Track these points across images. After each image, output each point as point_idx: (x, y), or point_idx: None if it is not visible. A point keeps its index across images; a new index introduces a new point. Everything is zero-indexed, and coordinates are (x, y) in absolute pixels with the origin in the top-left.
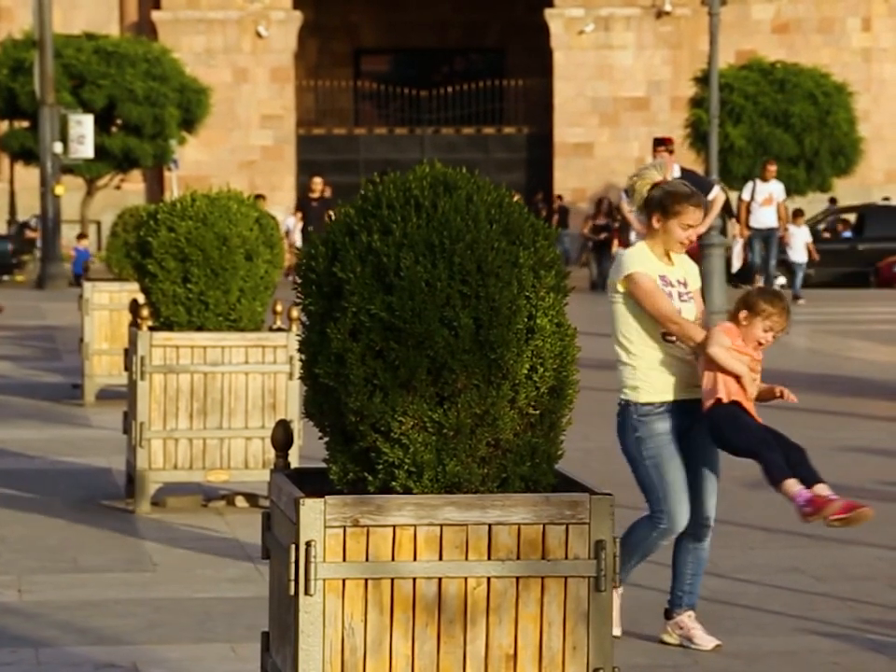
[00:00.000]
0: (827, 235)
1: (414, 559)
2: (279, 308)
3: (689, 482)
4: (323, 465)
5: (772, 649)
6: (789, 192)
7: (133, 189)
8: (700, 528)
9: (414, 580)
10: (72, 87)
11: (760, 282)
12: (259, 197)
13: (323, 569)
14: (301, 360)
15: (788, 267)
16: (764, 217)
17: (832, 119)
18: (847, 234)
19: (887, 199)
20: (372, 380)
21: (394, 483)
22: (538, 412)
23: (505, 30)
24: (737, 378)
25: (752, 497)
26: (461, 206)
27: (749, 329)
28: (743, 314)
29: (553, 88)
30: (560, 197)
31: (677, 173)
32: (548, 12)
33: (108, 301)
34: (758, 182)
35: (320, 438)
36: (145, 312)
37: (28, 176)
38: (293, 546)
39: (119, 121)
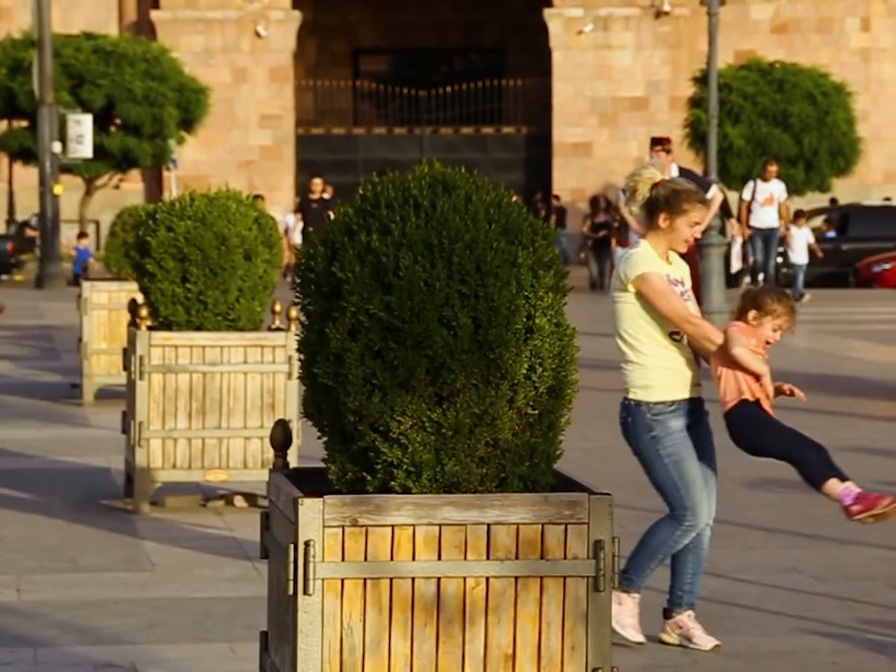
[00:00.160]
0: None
1: (413, 559)
2: (278, 308)
3: None
4: (322, 465)
5: (771, 649)
6: (788, 192)
7: (131, 188)
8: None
9: (413, 579)
10: (71, 86)
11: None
12: (258, 197)
13: (322, 569)
14: (299, 360)
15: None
16: (765, 217)
17: (830, 119)
18: (831, 234)
19: (888, 199)
20: (371, 380)
21: (393, 483)
22: (536, 411)
23: (504, 30)
24: (755, 378)
25: (752, 496)
26: (460, 206)
27: (758, 329)
28: (752, 313)
29: (551, 88)
30: (557, 197)
31: (675, 172)
32: (547, 12)
33: (107, 301)
34: (759, 182)
35: (319, 437)
36: (143, 311)
37: (27, 176)
38: (292, 546)
39: (117, 121)
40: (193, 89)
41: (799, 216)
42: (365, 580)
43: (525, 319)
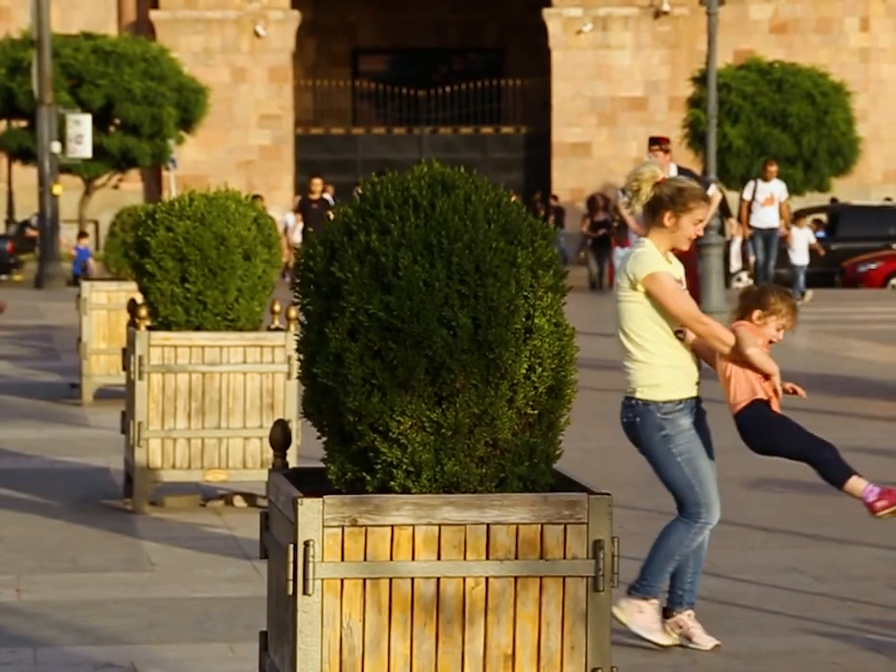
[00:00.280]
0: None
1: (413, 559)
2: (277, 308)
3: None
4: (321, 465)
5: (771, 649)
6: (787, 192)
7: (130, 188)
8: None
9: (413, 579)
10: (70, 86)
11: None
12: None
13: (321, 569)
14: (299, 360)
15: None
16: (766, 217)
17: (830, 118)
18: (820, 234)
19: (888, 199)
20: (371, 380)
21: (392, 483)
22: (536, 411)
23: (503, 30)
24: (764, 377)
25: (751, 496)
26: (459, 206)
27: (763, 329)
28: (757, 313)
29: (551, 88)
30: (555, 197)
31: (673, 172)
32: (546, 12)
33: (106, 301)
34: (759, 182)
35: (318, 437)
36: (143, 311)
37: (26, 176)
38: (291, 546)
39: (116, 121)
40: (192, 89)
41: (800, 216)
42: (364, 580)
43: (524, 319)
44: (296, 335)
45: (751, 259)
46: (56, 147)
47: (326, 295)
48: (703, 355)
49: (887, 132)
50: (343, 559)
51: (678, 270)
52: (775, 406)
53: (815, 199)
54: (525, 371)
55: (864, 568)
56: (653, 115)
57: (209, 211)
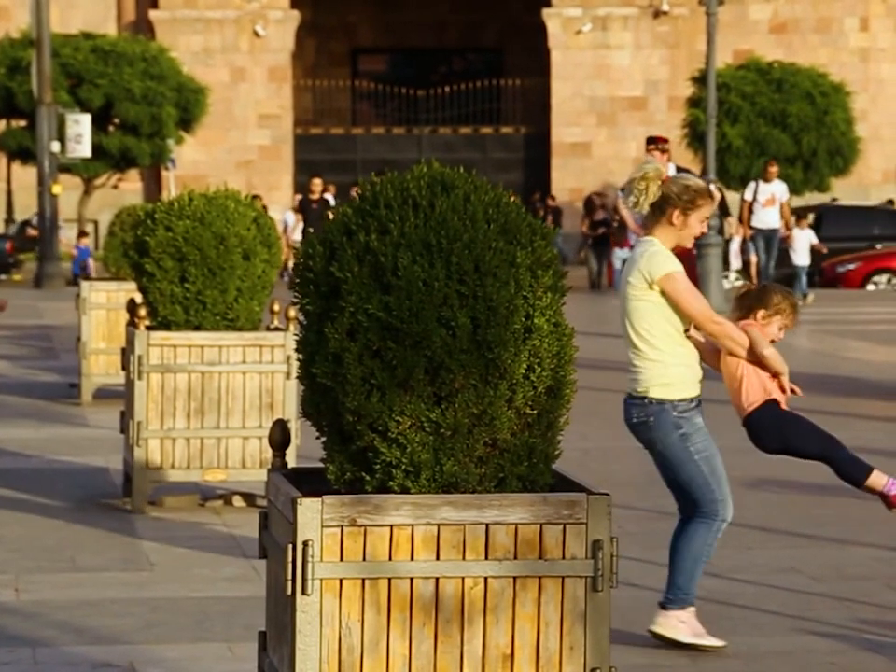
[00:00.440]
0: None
1: (412, 559)
2: (276, 307)
3: None
4: (320, 464)
5: (769, 649)
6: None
7: (130, 188)
8: None
9: (412, 579)
10: (69, 86)
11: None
12: (256, 198)
13: (320, 569)
14: (298, 360)
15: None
16: (767, 218)
17: (829, 118)
18: None
19: (890, 202)
20: (370, 379)
21: (391, 483)
22: (535, 411)
23: (503, 30)
24: (772, 377)
25: (750, 497)
26: (458, 206)
27: (766, 328)
28: (762, 312)
29: (550, 87)
30: (553, 197)
31: (672, 172)
32: (545, 12)
33: (106, 301)
34: (760, 183)
35: (317, 437)
36: (142, 311)
37: (25, 176)
38: (290, 546)
39: (116, 121)
40: (192, 88)
41: (801, 217)
42: (363, 579)
43: (523, 319)
44: (295, 335)
45: (752, 258)
46: (55, 146)
47: (325, 295)
48: (703, 355)
49: (886, 132)
50: (341, 559)
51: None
52: (783, 405)
53: (814, 199)
54: (524, 371)
55: (862, 569)
56: (653, 115)
57: (208, 211)
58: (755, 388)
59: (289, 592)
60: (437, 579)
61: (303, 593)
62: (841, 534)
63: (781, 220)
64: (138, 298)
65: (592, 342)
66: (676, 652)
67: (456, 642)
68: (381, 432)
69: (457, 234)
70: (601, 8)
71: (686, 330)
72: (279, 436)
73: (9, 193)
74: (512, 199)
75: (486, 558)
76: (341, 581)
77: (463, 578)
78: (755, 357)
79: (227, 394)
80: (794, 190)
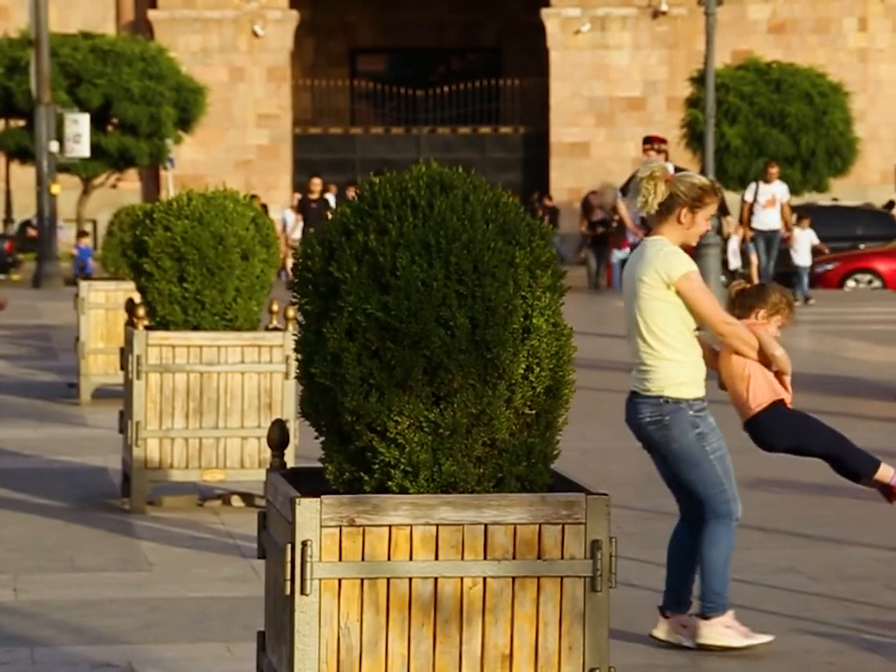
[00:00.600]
0: None
1: (410, 559)
2: (275, 307)
3: None
4: (319, 464)
5: (768, 649)
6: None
7: (129, 188)
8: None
9: (410, 579)
10: (68, 86)
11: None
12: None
13: (319, 569)
14: (297, 360)
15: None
16: (768, 219)
17: (828, 119)
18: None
19: (891, 203)
20: (368, 379)
21: (390, 483)
22: (534, 411)
23: (501, 30)
24: (776, 376)
25: (749, 497)
26: (457, 206)
27: (766, 327)
28: (762, 312)
29: (549, 87)
30: (550, 197)
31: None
32: (544, 12)
33: (104, 301)
34: (760, 184)
35: (316, 437)
36: (141, 311)
37: (24, 175)
38: (289, 546)
39: (115, 120)
40: (191, 88)
41: (802, 217)
42: (362, 579)
43: (522, 319)
44: (294, 335)
45: (753, 259)
46: (54, 146)
47: (324, 295)
48: (704, 355)
49: (885, 132)
50: (340, 559)
51: None
52: (788, 404)
53: (813, 199)
54: (522, 371)
55: (861, 569)
56: (651, 115)
57: (207, 210)
58: (763, 389)
59: (288, 592)
60: (435, 579)
61: (302, 593)
62: (840, 534)
63: (781, 221)
64: (137, 298)
65: (590, 342)
66: (675, 653)
67: (455, 642)
68: (379, 432)
69: (456, 234)
70: (600, 8)
71: (696, 329)
72: (278, 436)
73: (8, 193)
74: (511, 199)
75: (485, 558)
76: (339, 580)
77: (462, 578)
78: (762, 358)
79: (225, 394)
80: (793, 191)
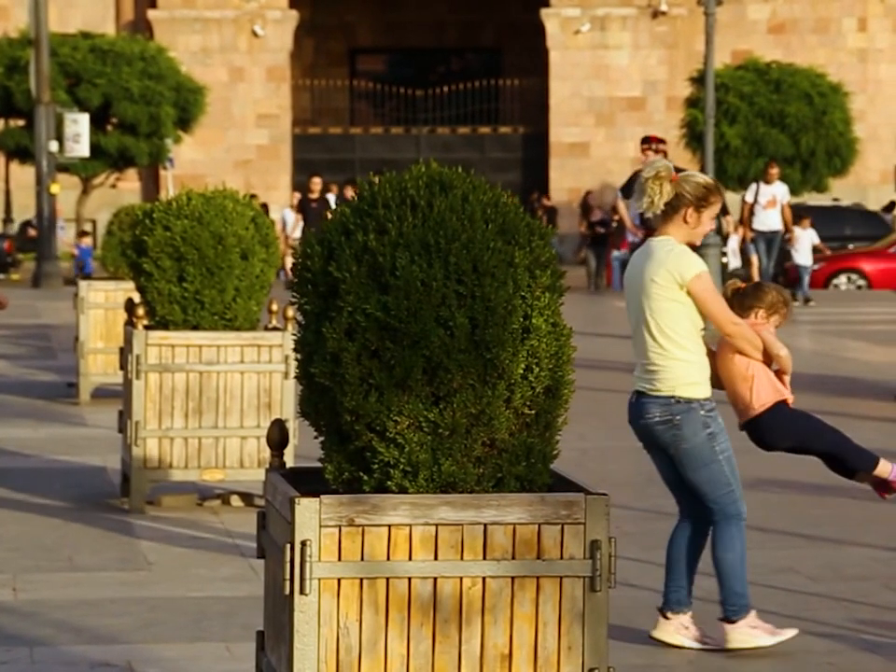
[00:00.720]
0: None
1: (410, 559)
2: (275, 307)
3: None
4: (318, 464)
5: (767, 649)
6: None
7: (128, 187)
8: (710, 525)
9: (410, 579)
10: (68, 85)
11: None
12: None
13: (318, 569)
14: (296, 360)
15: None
16: (768, 220)
17: (827, 119)
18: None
19: (892, 204)
20: (368, 379)
21: (389, 483)
22: (533, 411)
23: (501, 30)
24: (775, 374)
25: (748, 497)
26: (457, 206)
27: (766, 327)
28: (761, 312)
29: (548, 87)
30: (548, 198)
31: None
32: (544, 12)
33: (104, 300)
34: (761, 184)
35: (315, 437)
36: (140, 311)
37: (24, 175)
38: (288, 545)
39: (114, 120)
40: (190, 88)
41: (803, 217)
42: (361, 579)
43: (521, 319)
44: (293, 335)
45: (753, 259)
46: (54, 146)
47: (323, 295)
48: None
49: (884, 132)
50: (339, 559)
51: None
52: (790, 404)
53: (813, 199)
54: (522, 371)
55: (860, 569)
56: (651, 115)
57: (207, 210)
58: (766, 389)
59: (287, 591)
60: (435, 579)
61: (301, 592)
62: (839, 534)
63: (782, 222)
64: (136, 297)
65: (590, 342)
66: (674, 653)
67: (454, 642)
68: (379, 432)
69: (456, 234)
70: (599, 8)
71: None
72: (277, 436)
73: (8, 193)
74: (510, 199)
75: (484, 558)
76: (339, 580)
77: (461, 578)
78: (765, 358)
79: (225, 393)
80: (792, 191)
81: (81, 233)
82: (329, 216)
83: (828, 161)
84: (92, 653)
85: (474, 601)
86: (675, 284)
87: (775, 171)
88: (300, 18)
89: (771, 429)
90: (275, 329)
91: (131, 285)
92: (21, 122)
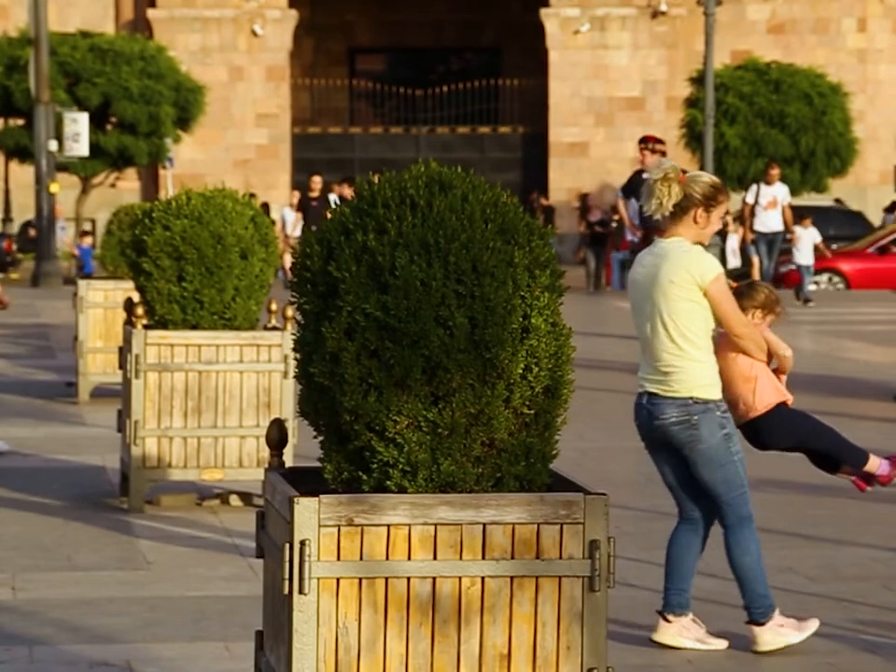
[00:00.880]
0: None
1: (409, 558)
2: (274, 307)
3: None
4: (317, 464)
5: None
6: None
7: (128, 187)
8: (710, 526)
9: (409, 579)
10: (67, 85)
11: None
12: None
13: (317, 568)
14: (295, 359)
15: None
16: (770, 221)
17: (827, 119)
18: None
19: (894, 205)
20: (367, 379)
21: (388, 483)
22: (532, 411)
23: (501, 30)
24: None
25: None
26: (456, 206)
27: (764, 327)
28: (758, 312)
29: (548, 87)
30: (547, 197)
31: None
32: (543, 12)
33: (103, 300)
34: (762, 185)
35: (315, 437)
36: (139, 310)
37: (23, 174)
38: (287, 545)
39: (114, 119)
40: (190, 87)
41: (804, 216)
42: (360, 579)
43: (521, 319)
44: (293, 334)
45: (754, 260)
46: (53, 145)
47: (323, 294)
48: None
49: (884, 132)
50: (339, 558)
51: None
52: (790, 405)
53: (812, 199)
54: (521, 371)
55: (859, 569)
56: (651, 115)
57: (206, 210)
58: (769, 389)
59: (286, 591)
60: (434, 578)
61: (300, 592)
62: (838, 534)
63: (785, 222)
64: (136, 297)
65: (589, 342)
66: (673, 653)
67: (453, 642)
68: (378, 432)
69: (455, 234)
70: (599, 9)
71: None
72: (276, 435)
73: (7, 192)
74: (510, 199)
75: (483, 558)
76: (338, 580)
77: (460, 577)
78: (767, 359)
79: (224, 393)
80: (792, 191)
81: (82, 233)
82: (329, 215)
83: (827, 161)
84: (91, 653)
85: (473, 601)
86: (694, 285)
87: (775, 172)
88: (299, 17)
89: (772, 430)
90: (275, 328)
91: (130, 284)
92: (20, 122)
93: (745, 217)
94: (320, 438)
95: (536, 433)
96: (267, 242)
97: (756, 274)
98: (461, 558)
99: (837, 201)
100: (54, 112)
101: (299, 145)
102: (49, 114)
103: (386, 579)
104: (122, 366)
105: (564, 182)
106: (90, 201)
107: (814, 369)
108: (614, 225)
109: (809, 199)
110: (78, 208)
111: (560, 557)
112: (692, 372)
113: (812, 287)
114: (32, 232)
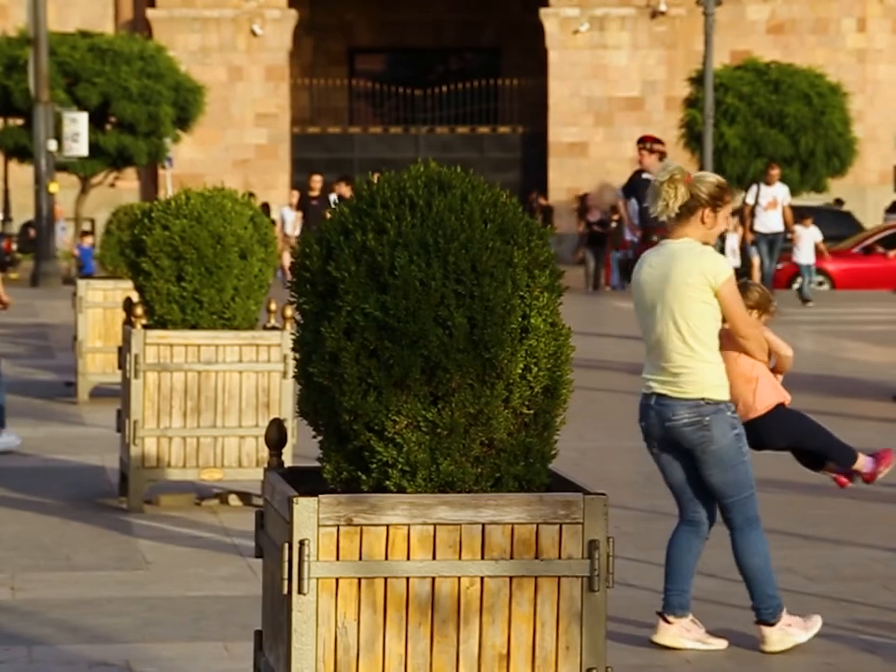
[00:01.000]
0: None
1: (408, 558)
2: (273, 307)
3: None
4: (317, 464)
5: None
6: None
7: (127, 186)
8: (710, 527)
9: (408, 579)
10: (66, 84)
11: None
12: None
13: (316, 568)
14: (295, 359)
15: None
16: (770, 222)
17: (826, 119)
18: None
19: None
20: (366, 379)
21: (388, 483)
22: (532, 411)
23: (500, 30)
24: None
25: None
26: (456, 206)
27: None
28: (755, 312)
29: (547, 87)
30: (545, 197)
31: None
32: (543, 12)
33: (102, 299)
34: (762, 186)
35: (314, 437)
36: (139, 310)
37: (22, 174)
38: (286, 545)
39: (113, 119)
40: (189, 87)
41: (805, 216)
42: (360, 579)
43: (520, 319)
44: (292, 334)
45: (755, 261)
46: (52, 145)
47: (322, 294)
48: None
49: (883, 132)
50: (338, 558)
51: None
52: (787, 405)
53: (812, 199)
54: (520, 371)
55: (858, 569)
56: (650, 115)
57: (205, 210)
58: (769, 390)
59: (285, 591)
60: (433, 578)
61: (300, 592)
62: (837, 534)
63: (785, 223)
64: (135, 296)
65: (589, 342)
66: (672, 653)
67: (453, 642)
68: (377, 432)
69: (454, 234)
70: (598, 9)
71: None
72: (276, 435)
73: (6, 192)
74: (509, 199)
75: (482, 558)
76: (337, 580)
77: (459, 577)
78: (775, 359)
79: (223, 393)
80: (792, 191)
81: (83, 233)
82: (328, 215)
83: (827, 161)
84: (91, 652)
85: (472, 601)
86: (707, 286)
87: (775, 172)
88: (298, 17)
89: (771, 431)
90: (274, 328)
91: (129, 284)
92: (19, 121)
93: (745, 217)
94: (319, 438)
95: (535, 433)
96: (266, 242)
97: (756, 275)
98: (460, 558)
99: (838, 201)
100: (53, 112)
101: (298, 145)
102: (49, 114)
103: (385, 579)
104: (121, 366)
105: (563, 182)
106: (89, 201)
107: (813, 369)
108: (613, 225)
109: (801, 199)
110: (78, 208)
111: (559, 557)
112: (702, 373)
113: (796, 286)
114: (32, 233)
